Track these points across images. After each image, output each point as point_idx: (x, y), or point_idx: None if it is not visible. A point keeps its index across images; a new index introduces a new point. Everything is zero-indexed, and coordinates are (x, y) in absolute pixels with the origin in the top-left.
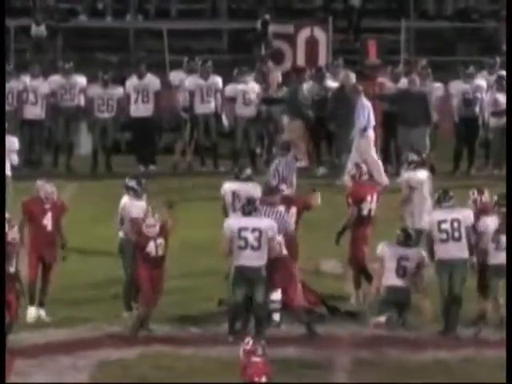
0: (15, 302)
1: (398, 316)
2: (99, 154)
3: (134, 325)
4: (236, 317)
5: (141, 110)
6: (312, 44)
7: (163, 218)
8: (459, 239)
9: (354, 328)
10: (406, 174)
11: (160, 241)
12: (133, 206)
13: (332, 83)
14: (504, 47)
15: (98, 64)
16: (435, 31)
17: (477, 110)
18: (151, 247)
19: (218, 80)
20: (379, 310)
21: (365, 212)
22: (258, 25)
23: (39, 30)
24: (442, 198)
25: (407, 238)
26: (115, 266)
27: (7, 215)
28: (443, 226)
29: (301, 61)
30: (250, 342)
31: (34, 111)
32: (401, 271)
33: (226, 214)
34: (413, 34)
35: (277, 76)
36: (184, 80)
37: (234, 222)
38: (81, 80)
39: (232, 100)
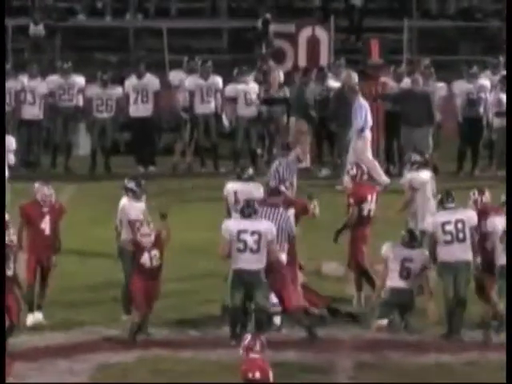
0: (15, 305)
1: (401, 319)
2: (98, 154)
3: (131, 331)
4: (236, 321)
5: (140, 110)
6: (313, 43)
7: (159, 226)
8: (464, 240)
9: (356, 331)
10: (409, 175)
11: (154, 252)
12: (132, 207)
13: (334, 83)
14: None
15: (96, 64)
16: (438, 30)
17: (481, 110)
18: (145, 258)
19: (218, 80)
20: (382, 313)
21: (365, 212)
22: (259, 24)
23: (37, 29)
24: (445, 199)
25: (412, 239)
26: (114, 268)
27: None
28: (447, 227)
29: (302, 60)
30: (248, 338)
31: (32, 111)
32: (404, 273)
33: (229, 215)
34: (415, 33)
35: (278, 75)
36: (184, 80)
37: (233, 224)
38: (79, 80)
39: (233, 100)
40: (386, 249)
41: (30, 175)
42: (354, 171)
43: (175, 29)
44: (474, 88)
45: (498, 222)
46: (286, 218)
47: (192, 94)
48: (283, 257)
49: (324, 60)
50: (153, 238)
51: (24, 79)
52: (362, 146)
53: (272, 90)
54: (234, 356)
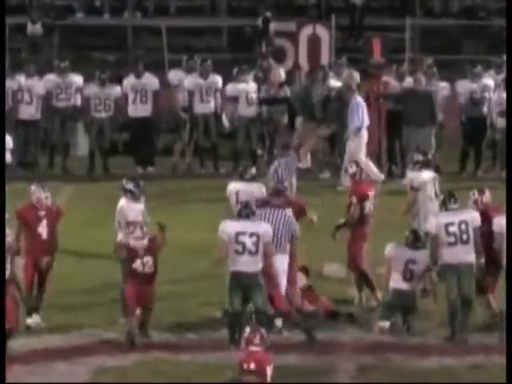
0: (14, 309)
1: (403, 321)
2: (96, 155)
3: (127, 336)
4: (235, 325)
5: (139, 110)
6: (314, 42)
7: (156, 230)
8: (467, 242)
9: (357, 333)
10: (410, 175)
11: (147, 259)
12: (130, 208)
13: (335, 82)
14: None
15: (94, 63)
16: (441, 29)
17: (484, 109)
18: (138, 264)
19: (218, 79)
20: (384, 314)
21: (366, 210)
22: (259, 22)
23: (35, 28)
24: (447, 200)
25: (416, 240)
26: (112, 270)
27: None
28: (451, 228)
29: (303, 59)
30: (248, 331)
31: (29, 111)
32: (408, 274)
33: (232, 215)
34: (418, 31)
35: (279, 74)
36: (183, 79)
37: (231, 225)
38: (77, 79)
39: (234, 100)
40: (389, 249)
41: (28, 176)
42: (354, 169)
43: (174, 27)
44: (477, 87)
45: (503, 222)
46: (290, 219)
47: (191, 93)
48: (284, 258)
49: (325, 59)
50: (146, 241)
51: (21, 79)
52: (357, 146)
53: (272, 89)
54: (234, 359)
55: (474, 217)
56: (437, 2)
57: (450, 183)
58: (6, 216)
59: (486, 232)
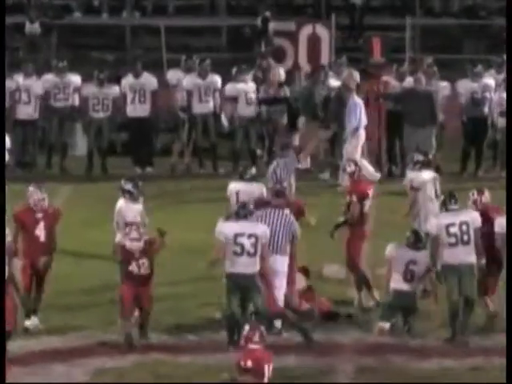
0: (12, 310)
1: (404, 322)
2: (95, 155)
3: (125, 338)
4: (234, 327)
5: (138, 110)
6: (314, 41)
7: (154, 231)
8: (468, 243)
9: (357, 335)
10: (410, 175)
11: (143, 261)
12: (128, 209)
13: (335, 82)
14: None
15: (93, 62)
16: (441, 28)
17: (485, 109)
18: (133, 266)
19: (217, 79)
20: (384, 315)
21: (366, 208)
22: (259, 22)
23: (33, 27)
24: (448, 201)
25: (417, 240)
26: (111, 270)
27: None
28: (452, 229)
29: (303, 59)
30: (247, 329)
31: (27, 111)
32: (408, 275)
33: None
34: (418, 31)
35: (278, 74)
36: (182, 79)
37: (229, 227)
38: (75, 79)
39: (234, 100)
40: (390, 250)
41: (26, 176)
42: (352, 168)
43: (173, 27)
44: (478, 87)
45: (504, 223)
46: (291, 220)
47: (190, 93)
48: (284, 259)
49: (325, 59)
50: (142, 243)
51: (19, 78)
52: (354, 145)
53: (271, 89)
54: (233, 360)
55: (474, 217)
56: (437, 1)
57: (451, 183)
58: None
59: (485, 232)
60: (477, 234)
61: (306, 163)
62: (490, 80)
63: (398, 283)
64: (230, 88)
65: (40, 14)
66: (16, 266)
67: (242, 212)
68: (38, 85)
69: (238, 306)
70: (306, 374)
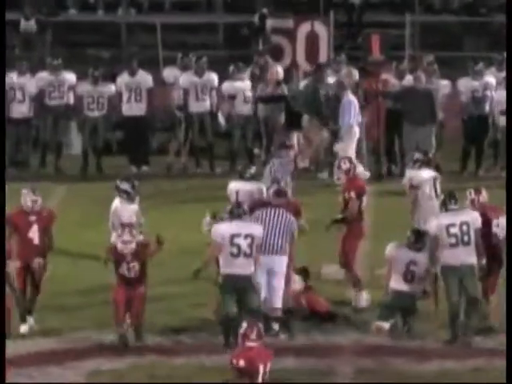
0: (7, 312)
1: (403, 323)
2: (90, 154)
3: (120, 339)
4: (230, 328)
5: (134, 108)
6: (312, 39)
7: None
8: (469, 243)
9: (356, 336)
10: (409, 174)
11: (133, 264)
12: (124, 209)
13: (333, 80)
14: None
15: (88, 60)
16: (441, 26)
17: (486, 108)
18: (123, 268)
19: (214, 77)
20: (383, 315)
21: (364, 205)
22: (256, 19)
23: (28, 24)
24: (448, 201)
25: (418, 240)
26: (106, 271)
27: None
28: (452, 230)
29: (301, 57)
30: (245, 326)
31: (21, 110)
32: (409, 276)
33: None
34: (418, 28)
35: (276, 72)
36: (178, 77)
37: (225, 227)
38: (70, 77)
39: (231, 98)
40: (390, 250)
41: (20, 175)
42: (347, 166)
43: (169, 24)
44: (479, 85)
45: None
46: (291, 220)
47: (186, 91)
48: (284, 259)
49: (323, 56)
50: (134, 246)
51: (13, 76)
52: (347, 143)
53: (269, 87)
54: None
55: (474, 217)
56: None
57: (451, 183)
58: None
59: (483, 231)
60: (477, 235)
61: (305, 163)
62: (491, 78)
63: (397, 284)
64: (228, 86)
65: (35, 10)
66: (11, 268)
67: (237, 211)
68: (32, 83)
69: (233, 306)
70: (304, 375)
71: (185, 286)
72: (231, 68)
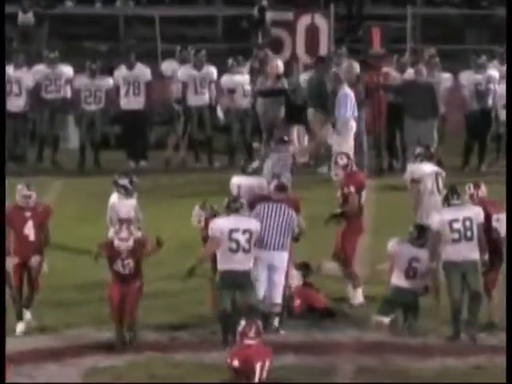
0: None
1: (404, 319)
2: (87, 148)
3: (117, 336)
4: (228, 325)
5: (132, 102)
6: (313, 32)
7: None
8: (471, 239)
9: (356, 333)
10: (410, 168)
11: (128, 261)
12: (122, 204)
13: None
14: None
15: (85, 53)
16: (443, 18)
17: (489, 101)
18: (118, 265)
19: (213, 70)
20: (382, 309)
21: (363, 200)
22: (255, 11)
23: (26, 17)
24: (450, 196)
25: (420, 236)
26: (104, 267)
27: None
28: (455, 225)
29: (301, 50)
30: (243, 323)
31: (18, 103)
32: (411, 272)
33: None
34: (419, 21)
35: (276, 66)
36: (177, 70)
37: (223, 223)
38: (67, 70)
39: (230, 92)
40: (392, 245)
41: (17, 170)
42: (345, 161)
43: (168, 17)
44: (482, 79)
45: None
46: (292, 215)
47: (185, 85)
48: (285, 255)
49: (324, 49)
50: (131, 243)
51: (9, 70)
52: (343, 138)
53: (269, 80)
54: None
55: (477, 213)
56: None
57: (453, 178)
58: None
59: (483, 227)
60: (480, 230)
61: (304, 157)
62: (493, 71)
63: (399, 280)
64: (227, 80)
65: (33, 3)
66: (8, 264)
67: (234, 206)
68: (28, 76)
69: (230, 302)
70: (304, 372)
71: (183, 283)
72: (230, 61)
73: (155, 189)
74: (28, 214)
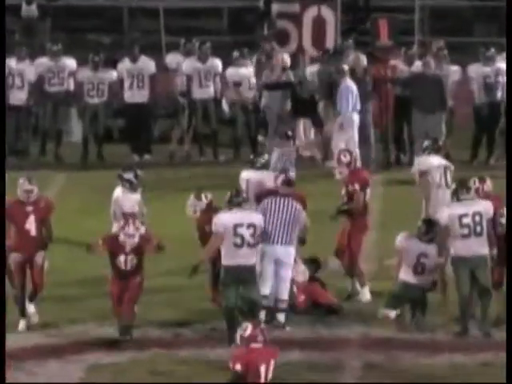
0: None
1: (412, 315)
2: (90, 142)
3: (120, 332)
4: (233, 321)
5: (136, 95)
6: (319, 24)
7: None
8: (481, 234)
9: (363, 329)
10: (417, 160)
11: (131, 257)
12: (126, 199)
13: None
14: None
15: (89, 46)
16: (451, 10)
17: (498, 94)
18: (120, 261)
19: (218, 63)
20: (390, 303)
21: (368, 197)
22: (261, 3)
23: (30, 9)
24: (460, 190)
25: (429, 231)
26: (107, 261)
27: None
28: (465, 220)
29: (307, 42)
30: (249, 328)
31: (20, 96)
32: (419, 268)
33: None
34: (427, 13)
35: (282, 59)
36: (181, 63)
37: (227, 218)
38: (70, 63)
39: (236, 85)
40: (400, 240)
41: (19, 164)
42: (348, 158)
43: (172, 8)
44: (491, 71)
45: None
46: (299, 210)
47: (190, 78)
48: (291, 250)
49: (330, 42)
50: (136, 239)
51: (12, 62)
52: (346, 132)
53: (274, 74)
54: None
55: (487, 208)
56: None
57: (461, 172)
58: None
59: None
60: (489, 225)
61: (310, 151)
62: (502, 64)
63: (407, 275)
64: (232, 73)
65: None
66: (10, 261)
67: (236, 199)
68: (31, 69)
69: (235, 298)
70: (310, 369)
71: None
72: (235, 54)
73: (159, 183)
74: (29, 208)
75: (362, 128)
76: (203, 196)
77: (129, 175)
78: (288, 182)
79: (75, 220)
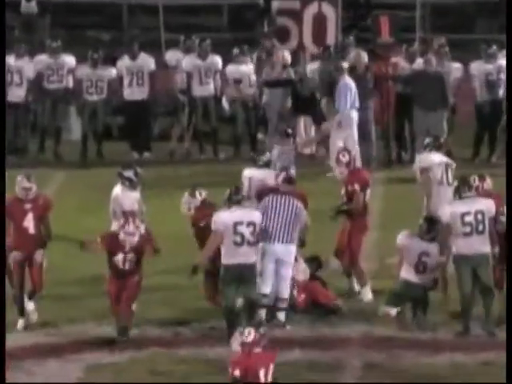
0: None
1: (413, 314)
2: (90, 139)
3: (119, 331)
4: (233, 320)
5: (135, 93)
6: (320, 21)
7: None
8: (483, 232)
9: (364, 328)
10: (419, 157)
11: (130, 256)
12: (126, 197)
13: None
14: None
15: (88, 43)
16: (453, 7)
17: (500, 92)
18: (118, 259)
19: (218, 60)
20: (390, 301)
21: (367, 198)
22: (261, 0)
23: (30, 6)
24: (462, 188)
25: (430, 230)
26: (106, 260)
27: None
28: (467, 218)
29: (308, 39)
30: (252, 333)
31: (19, 93)
32: (421, 267)
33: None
34: (429, 9)
35: (283, 56)
36: (181, 60)
37: (227, 216)
38: (69, 60)
39: (236, 82)
40: (401, 238)
41: (18, 162)
42: (347, 158)
43: (172, 5)
44: (493, 69)
45: None
46: (300, 208)
47: (190, 75)
48: (292, 248)
49: (331, 39)
50: (136, 238)
51: (10, 59)
52: (344, 131)
53: (275, 71)
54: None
55: (489, 206)
56: None
57: (463, 169)
58: None
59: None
60: (491, 223)
61: (310, 149)
62: (504, 61)
63: (408, 274)
64: (233, 70)
65: None
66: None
67: (235, 197)
68: (30, 66)
69: (234, 297)
70: (310, 368)
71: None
72: (235, 51)
73: (159, 180)
74: (28, 206)
75: (363, 125)
76: (197, 193)
77: (128, 173)
78: (289, 180)
79: (74, 218)
